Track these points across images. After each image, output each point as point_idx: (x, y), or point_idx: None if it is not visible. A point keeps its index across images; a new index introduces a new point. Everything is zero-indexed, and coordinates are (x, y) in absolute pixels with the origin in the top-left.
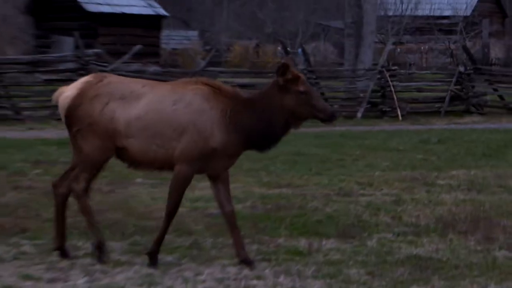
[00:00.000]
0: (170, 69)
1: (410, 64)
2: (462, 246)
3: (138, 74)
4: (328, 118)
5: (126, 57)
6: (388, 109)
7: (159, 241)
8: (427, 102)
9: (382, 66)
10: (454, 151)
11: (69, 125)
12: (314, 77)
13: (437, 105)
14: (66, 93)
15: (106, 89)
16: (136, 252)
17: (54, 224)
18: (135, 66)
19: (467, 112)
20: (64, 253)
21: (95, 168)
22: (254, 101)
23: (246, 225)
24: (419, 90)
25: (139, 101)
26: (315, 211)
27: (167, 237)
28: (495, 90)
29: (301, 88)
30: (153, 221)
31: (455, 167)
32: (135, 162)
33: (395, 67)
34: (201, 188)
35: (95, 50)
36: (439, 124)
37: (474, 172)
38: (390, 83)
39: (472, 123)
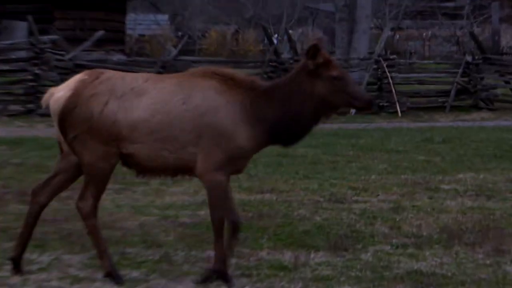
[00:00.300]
0: (137, 58)
1: (410, 53)
2: (469, 260)
3: (100, 64)
4: (366, 106)
5: (86, 45)
6: (385, 104)
7: (222, 261)
8: (430, 96)
9: (379, 55)
10: (460, 151)
11: (64, 132)
12: None
13: (441, 99)
14: (58, 94)
15: (104, 86)
16: (97, 267)
17: (20, 232)
18: (96, 55)
19: (475, 107)
20: (17, 266)
21: (102, 179)
22: (277, 90)
23: None
24: (421, 82)
25: (141, 100)
26: (303, 220)
27: (133, 250)
28: (507, 82)
29: (334, 73)
30: (117, 231)
31: (462, 170)
32: (144, 169)
33: (394, 56)
34: (171, 194)
35: (51, 37)
36: (444, 121)
37: (483, 175)
38: (388, 74)
39: (481, 120)
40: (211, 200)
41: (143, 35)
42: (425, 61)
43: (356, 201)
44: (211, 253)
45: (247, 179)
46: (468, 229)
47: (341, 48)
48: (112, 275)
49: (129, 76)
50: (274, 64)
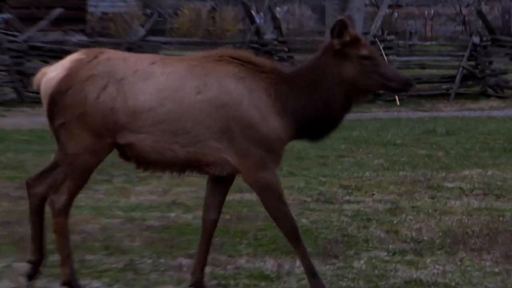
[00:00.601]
0: (99, 38)
1: (411, 33)
2: (475, 267)
3: (58, 46)
4: (403, 87)
5: (42, 24)
6: (382, 91)
7: (310, 272)
8: (432, 82)
9: (375, 36)
10: (466, 145)
11: (51, 116)
12: (287, 49)
13: (445, 86)
14: (51, 74)
15: (103, 68)
16: (55, 276)
17: (31, 236)
18: (54, 36)
19: (483, 95)
20: (37, 271)
21: (84, 175)
22: (302, 76)
23: (195, 240)
24: (423, 66)
25: (147, 85)
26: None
27: (94, 257)
28: None
29: (364, 52)
30: (77, 236)
31: (468, 166)
32: (146, 162)
33: (392, 37)
34: (137, 193)
35: (3, 15)
36: (448, 111)
37: (491, 172)
38: (385, 57)
39: (489, 109)
40: (268, 206)
41: (106, 13)
42: (427, 43)
43: (348, 202)
44: (182, 260)
45: None
46: (474, 232)
47: None
48: (71, 284)
49: (132, 57)
50: (255, 46)
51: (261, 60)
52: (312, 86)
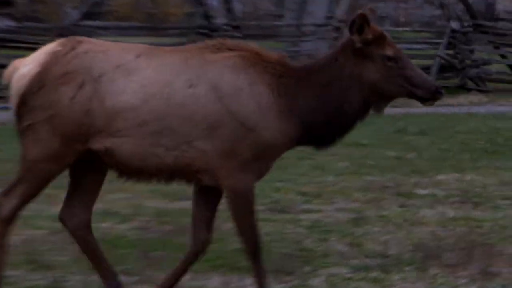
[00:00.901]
0: (28, 23)
1: (381, 18)
2: (450, 285)
3: None
4: (431, 96)
5: None
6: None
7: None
8: None
9: (340, 21)
10: (442, 146)
11: (20, 117)
12: (241, 35)
13: None
14: (23, 69)
15: (80, 63)
16: None
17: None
18: None
19: (463, 88)
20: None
21: (42, 183)
22: (314, 73)
23: (131, 255)
24: None
25: (130, 81)
26: (236, 235)
27: (16, 272)
28: (503, 57)
29: (389, 52)
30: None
31: (443, 169)
32: (128, 170)
33: None
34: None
35: None
36: (422, 107)
37: (470, 177)
38: None
39: (469, 104)
40: (235, 213)
41: None
42: (400, 29)
43: (307, 211)
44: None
45: None
46: (449, 246)
47: (292, 12)
48: None
49: (115, 48)
50: (204, 31)
51: (266, 50)
52: (325, 86)
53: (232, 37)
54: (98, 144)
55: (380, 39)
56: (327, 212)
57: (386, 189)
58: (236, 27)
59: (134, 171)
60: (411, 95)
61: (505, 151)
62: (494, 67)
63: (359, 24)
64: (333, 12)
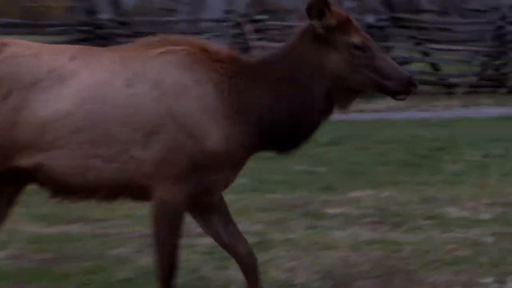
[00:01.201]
0: None
1: (286, 11)
2: None
3: None
4: (403, 89)
5: None
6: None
7: None
8: None
9: (242, 15)
10: (356, 158)
11: None
12: (130, 32)
13: None
14: None
15: (6, 68)
16: None
17: None
18: None
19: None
20: None
21: None
22: (269, 67)
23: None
24: None
25: (64, 87)
26: (123, 262)
27: None
28: (426, 54)
29: (356, 40)
30: None
31: (357, 185)
32: (62, 189)
33: (264, 17)
34: None
35: None
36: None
37: (387, 193)
38: (255, 42)
39: (387, 110)
40: (159, 232)
41: None
42: None
43: (203, 234)
44: None
45: (45, 201)
46: (363, 273)
47: (187, 5)
48: None
49: (47, 51)
50: (87, 28)
51: (215, 46)
52: (283, 80)
53: (119, 35)
54: (27, 160)
55: (345, 25)
56: None
57: (293, 209)
58: (123, 23)
59: (70, 190)
60: (381, 88)
61: (427, 163)
62: (415, 66)
63: (318, 8)
64: (233, 6)
